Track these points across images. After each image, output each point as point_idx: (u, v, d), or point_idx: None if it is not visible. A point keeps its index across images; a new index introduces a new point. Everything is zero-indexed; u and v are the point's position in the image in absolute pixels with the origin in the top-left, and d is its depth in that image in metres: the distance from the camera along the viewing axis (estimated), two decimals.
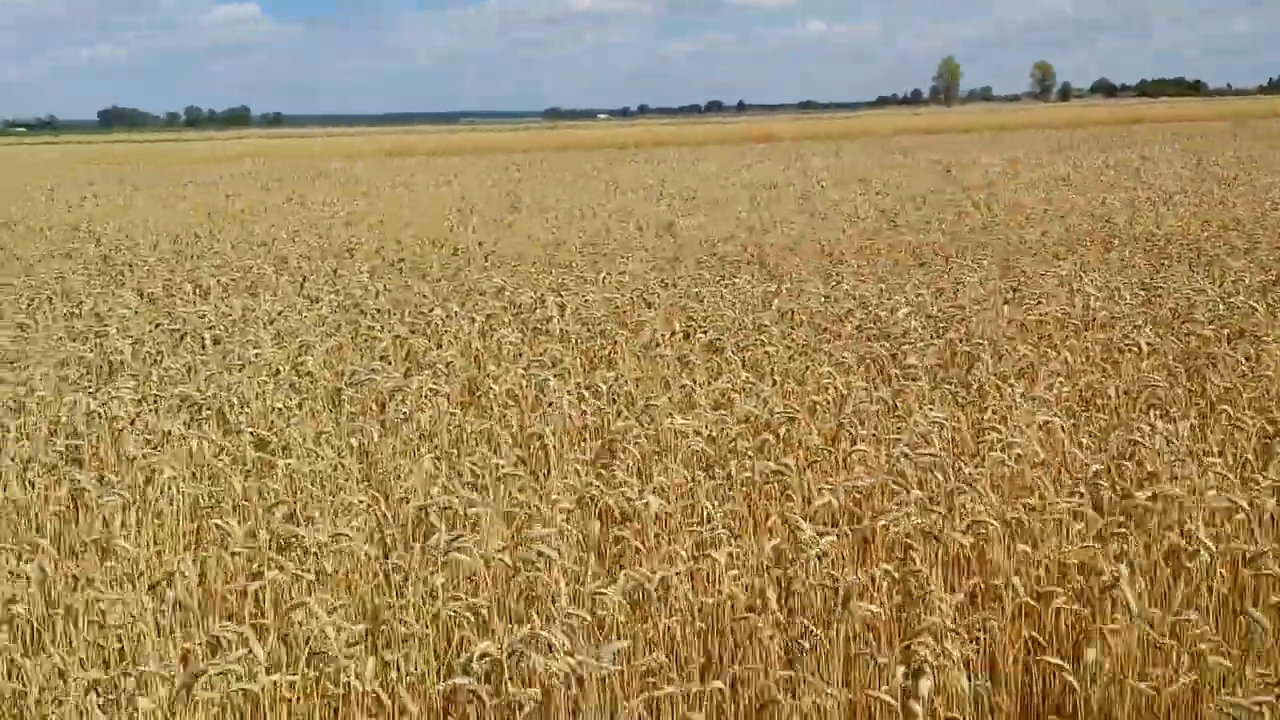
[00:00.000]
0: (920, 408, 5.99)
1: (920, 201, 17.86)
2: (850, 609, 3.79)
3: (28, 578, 4.40)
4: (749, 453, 5.41)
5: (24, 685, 3.77)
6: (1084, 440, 5.42)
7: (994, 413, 5.78)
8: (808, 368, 6.96)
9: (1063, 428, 5.49)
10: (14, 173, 39.97)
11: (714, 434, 5.70)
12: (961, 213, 15.96)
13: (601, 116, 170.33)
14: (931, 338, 7.58)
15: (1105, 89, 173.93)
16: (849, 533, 4.53)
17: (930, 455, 4.91)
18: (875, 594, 4.02)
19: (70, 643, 4.15)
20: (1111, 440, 5.33)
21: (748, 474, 5.10)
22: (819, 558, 3.98)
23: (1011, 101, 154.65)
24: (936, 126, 58.79)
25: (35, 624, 4.24)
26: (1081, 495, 4.63)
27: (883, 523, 4.47)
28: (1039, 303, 8.59)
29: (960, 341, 7.37)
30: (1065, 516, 4.49)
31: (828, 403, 6.23)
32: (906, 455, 4.90)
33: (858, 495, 4.85)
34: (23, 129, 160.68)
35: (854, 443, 5.50)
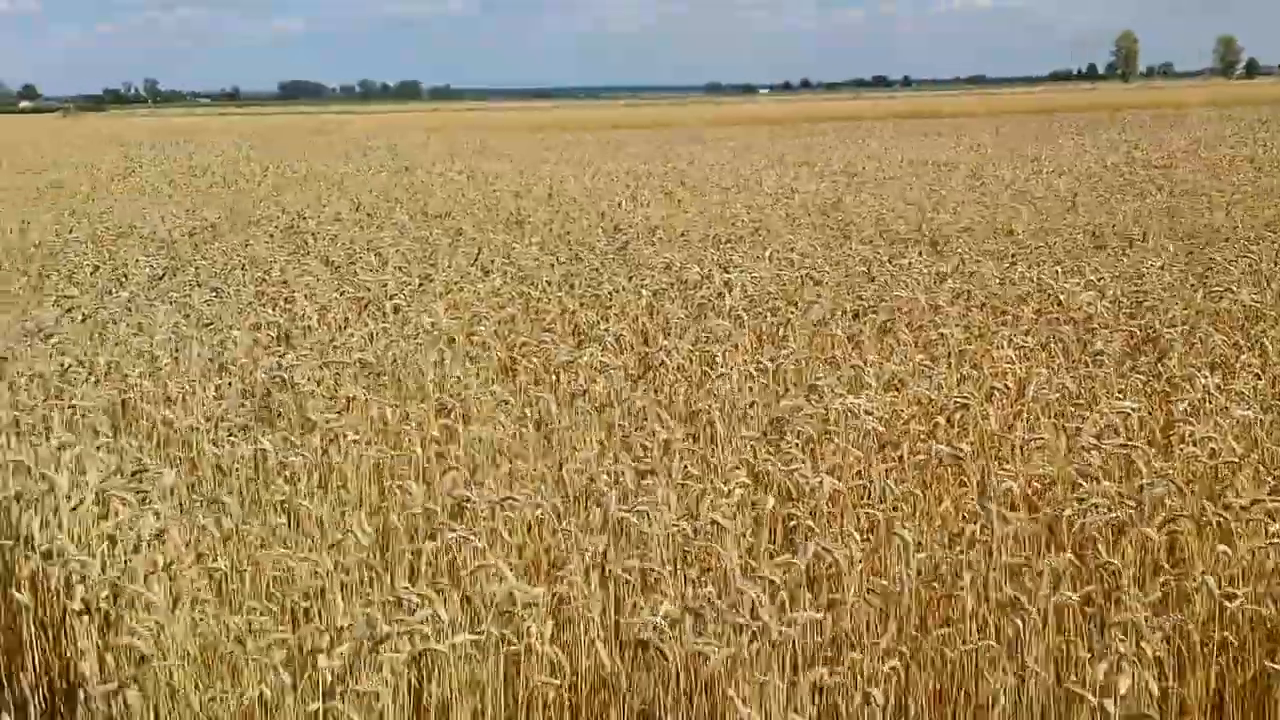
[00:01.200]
0: (1107, 396, 5.80)
1: (1097, 181, 17.26)
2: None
3: (216, 535, 4.58)
4: (922, 436, 5.33)
5: (223, 635, 3.95)
6: None
7: (1188, 405, 5.55)
8: (985, 351, 6.81)
9: (1259, 423, 5.25)
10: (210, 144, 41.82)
11: (885, 415, 5.63)
12: (1142, 194, 15.37)
13: (763, 91, 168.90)
14: (1116, 323, 7.32)
15: None
16: (1030, 521, 4.43)
17: (1120, 447, 4.74)
18: (1063, 585, 3.92)
19: (257, 600, 4.28)
20: None
21: (921, 457, 5.03)
22: (1010, 539, 3.91)
23: (1193, 77, 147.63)
24: (1114, 103, 56.65)
25: (225, 579, 4.40)
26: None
27: (1068, 512, 4.35)
28: (1228, 290, 8.21)
29: (1148, 328, 7.11)
30: (1262, 517, 4.30)
31: (1006, 388, 6.08)
32: (1095, 445, 4.75)
33: (1038, 484, 4.74)
34: (207, 100, 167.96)
35: (1033, 429, 5.36)
